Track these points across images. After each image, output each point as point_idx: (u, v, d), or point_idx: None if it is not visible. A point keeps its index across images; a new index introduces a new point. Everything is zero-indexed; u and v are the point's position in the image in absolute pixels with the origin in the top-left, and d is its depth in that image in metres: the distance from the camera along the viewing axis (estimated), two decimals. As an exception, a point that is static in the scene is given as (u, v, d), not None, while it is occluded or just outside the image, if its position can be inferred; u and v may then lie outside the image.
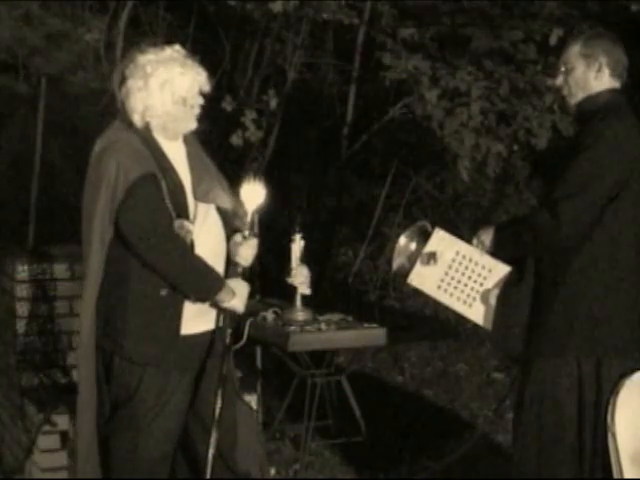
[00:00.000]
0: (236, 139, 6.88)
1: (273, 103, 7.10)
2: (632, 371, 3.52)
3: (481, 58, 6.76)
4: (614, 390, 3.48)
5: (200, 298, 3.45)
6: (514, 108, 6.81)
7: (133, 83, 3.41)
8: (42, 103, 5.24)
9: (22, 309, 4.55)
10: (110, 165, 3.35)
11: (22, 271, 4.55)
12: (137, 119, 3.43)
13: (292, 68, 7.89)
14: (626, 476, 3.43)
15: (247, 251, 3.53)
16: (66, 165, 6.67)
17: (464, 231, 4.00)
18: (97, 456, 3.50)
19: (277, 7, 6.68)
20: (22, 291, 4.55)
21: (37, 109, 5.29)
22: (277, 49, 8.01)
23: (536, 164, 7.95)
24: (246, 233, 3.52)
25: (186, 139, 3.56)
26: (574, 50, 3.58)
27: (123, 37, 7.70)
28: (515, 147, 7.20)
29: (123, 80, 3.44)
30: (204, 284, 3.44)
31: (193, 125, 3.51)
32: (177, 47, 3.50)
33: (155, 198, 3.36)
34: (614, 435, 3.44)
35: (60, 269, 4.60)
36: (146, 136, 3.44)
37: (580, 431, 3.52)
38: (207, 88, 3.51)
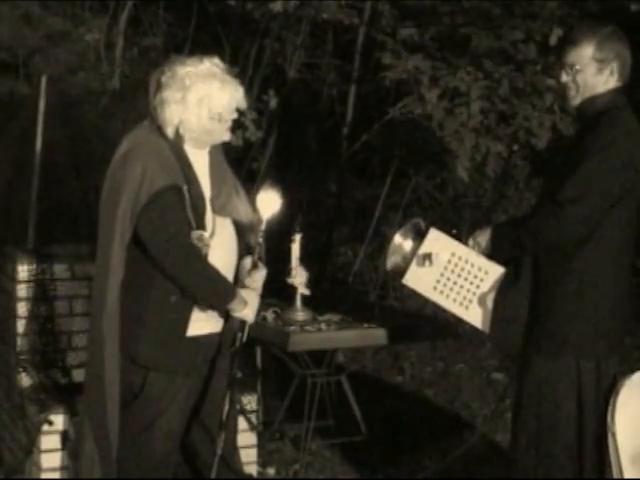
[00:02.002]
0: (236, 139, 6.87)
1: (273, 103, 7.10)
2: (632, 371, 3.52)
3: (481, 58, 6.76)
4: (614, 390, 3.48)
5: (212, 306, 3.46)
6: (514, 108, 6.80)
7: (170, 94, 3.39)
8: (42, 103, 5.24)
9: (22, 309, 4.55)
10: (136, 168, 3.34)
11: (22, 271, 4.55)
12: (170, 131, 3.41)
13: (292, 68, 7.89)
14: (626, 476, 3.43)
15: (258, 282, 3.55)
16: (66, 165, 6.66)
17: (464, 231, 3.98)
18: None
19: (277, 7, 6.68)
20: (22, 291, 4.55)
21: (37, 109, 5.29)
22: (277, 49, 8.01)
23: (536, 164, 7.95)
24: (255, 258, 3.53)
25: (211, 148, 3.55)
26: (587, 52, 3.50)
27: (123, 37, 7.71)
28: (515, 147, 7.19)
29: (158, 88, 3.42)
30: (217, 294, 3.45)
31: (226, 137, 3.51)
32: (216, 60, 3.47)
33: (176, 209, 3.36)
34: (614, 435, 3.44)
35: (60, 269, 4.60)
36: (175, 145, 3.43)
37: (580, 430, 3.52)
38: (244, 105, 3.50)
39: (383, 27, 6.98)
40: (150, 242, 3.36)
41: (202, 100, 3.39)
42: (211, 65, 3.45)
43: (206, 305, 3.46)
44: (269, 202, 3.55)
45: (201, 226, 3.42)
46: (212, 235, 3.44)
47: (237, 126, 6.86)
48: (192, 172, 3.45)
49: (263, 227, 3.53)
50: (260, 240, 3.52)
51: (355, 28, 7.43)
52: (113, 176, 3.44)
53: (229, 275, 3.53)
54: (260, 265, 3.56)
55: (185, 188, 3.38)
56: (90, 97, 7.26)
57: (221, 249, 3.48)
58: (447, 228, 3.84)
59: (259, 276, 3.55)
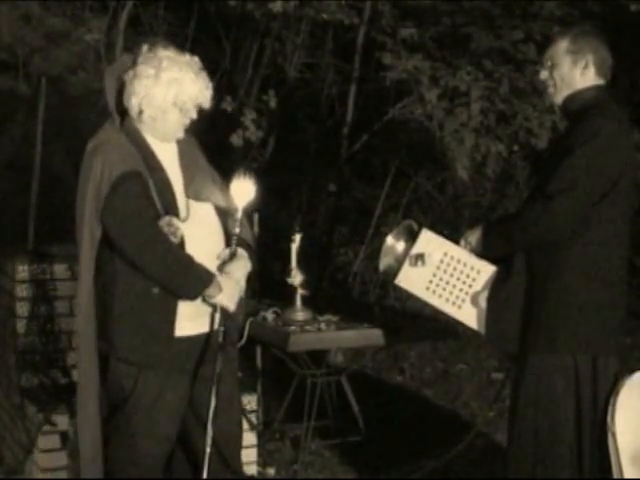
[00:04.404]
0: (236, 139, 6.88)
1: (273, 103, 7.10)
2: (632, 371, 3.52)
3: (481, 58, 6.77)
4: (614, 390, 3.48)
5: (188, 294, 3.40)
6: (514, 108, 6.81)
7: (144, 70, 3.41)
8: (42, 103, 5.24)
9: (22, 309, 4.55)
10: (96, 164, 3.35)
11: (22, 271, 4.55)
12: (134, 103, 3.41)
13: (292, 68, 7.90)
14: (626, 476, 3.43)
15: (236, 271, 3.49)
16: (66, 165, 6.67)
17: (464, 231, 4.00)
18: (101, 458, 3.49)
19: (277, 7, 6.68)
20: (22, 291, 4.55)
21: (37, 109, 5.30)
22: (277, 49, 8.02)
23: (536, 164, 7.95)
24: (233, 248, 3.49)
25: (181, 141, 3.55)
26: (561, 46, 3.58)
27: (123, 37, 7.70)
28: (515, 147, 7.20)
29: (132, 66, 3.44)
30: (191, 279, 3.38)
31: (180, 134, 3.50)
32: (196, 58, 3.50)
33: (138, 195, 3.34)
34: (614, 435, 3.44)
35: (60, 269, 4.60)
36: (135, 136, 3.44)
37: (579, 429, 3.52)
38: (207, 105, 3.50)
39: (383, 27, 6.99)
40: (115, 231, 3.33)
41: (173, 83, 3.41)
42: (190, 59, 3.49)
43: (181, 293, 3.38)
44: (243, 190, 3.52)
45: (172, 212, 3.39)
46: (186, 220, 3.42)
47: (237, 126, 6.88)
48: (155, 160, 3.44)
49: (239, 216, 3.49)
50: (237, 230, 3.50)
51: (355, 28, 7.44)
52: (80, 177, 3.45)
53: (211, 262, 3.47)
54: (240, 254, 3.52)
55: (147, 174, 3.38)
56: (90, 97, 7.27)
57: (200, 235, 3.44)
58: (447, 228, 3.84)
59: (236, 266, 3.49)
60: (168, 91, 3.41)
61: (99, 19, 7.81)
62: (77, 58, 7.66)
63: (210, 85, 3.50)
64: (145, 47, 3.48)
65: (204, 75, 3.49)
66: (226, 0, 7.10)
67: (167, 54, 3.44)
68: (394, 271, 3.77)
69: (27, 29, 7.58)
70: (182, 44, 7.82)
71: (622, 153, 3.50)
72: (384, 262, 3.82)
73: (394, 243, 3.81)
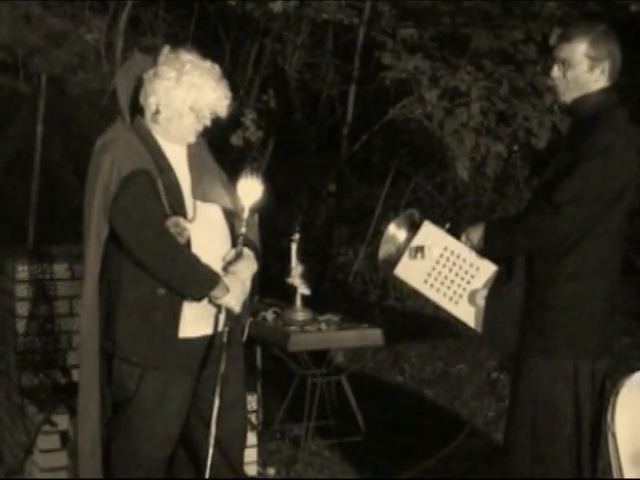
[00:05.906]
0: (236, 139, 6.89)
1: (273, 103, 7.11)
2: (632, 371, 3.52)
3: (481, 58, 6.77)
4: (614, 390, 3.48)
5: (193, 295, 3.40)
6: (514, 108, 6.81)
7: (166, 71, 3.40)
8: (42, 103, 5.24)
9: (22, 309, 4.55)
10: (105, 162, 3.35)
11: (22, 271, 4.55)
12: (151, 102, 3.41)
13: (292, 68, 7.90)
14: (626, 476, 3.43)
15: (242, 271, 3.49)
16: (66, 165, 6.67)
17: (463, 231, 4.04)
18: (100, 457, 3.50)
19: (277, 7, 6.69)
20: (22, 291, 4.55)
21: (37, 109, 5.29)
22: (277, 49, 8.02)
23: (536, 164, 7.95)
24: (239, 248, 3.48)
25: (191, 144, 3.54)
26: (580, 48, 3.52)
27: (123, 37, 7.71)
28: (515, 147, 7.20)
29: (153, 66, 3.43)
30: (196, 280, 3.38)
31: (192, 139, 3.50)
32: (217, 67, 3.51)
33: (147, 194, 3.34)
34: (614, 435, 3.43)
35: (60, 269, 4.60)
36: (145, 135, 3.44)
37: (578, 429, 3.52)
38: (223, 114, 3.50)
39: (383, 27, 6.99)
40: (121, 230, 3.33)
41: (193, 87, 3.40)
42: (212, 66, 3.49)
43: (187, 294, 3.38)
44: (250, 190, 3.51)
45: (179, 213, 3.39)
46: (192, 221, 3.42)
47: (237, 126, 6.89)
48: (165, 160, 3.44)
49: (246, 215, 3.48)
50: (243, 230, 3.49)
51: (355, 28, 7.44)
52: (88, 175, 3.45)
53: (217, 263, 3.47)
54: (246, 255, 3.51)
55: (156, 173, 3.37)
56: (90, 97, 7.27)
57: (206, 236, 3.44)
58: (442, 223, 3.84)
59: (242, 266, 3.48)
60: (187, 95, 3.40)
61: (99, 19, 7.83)
62: (77, 58, 7.67)
63: (229, 95, 3.50)
64: (167, 48, 3.48)
65: (224, 84, 3.48)
66: (226, 0, 7.10)
67: (190, 58, 3.44)
68: (393, 260, 3.75)
69: (27, 29, 7.59)
70: (182, 44, 7.83)
71: (630, 166, 3.48)
72: (384, 249, 3.80)
73: (395, 231, 3.79)
